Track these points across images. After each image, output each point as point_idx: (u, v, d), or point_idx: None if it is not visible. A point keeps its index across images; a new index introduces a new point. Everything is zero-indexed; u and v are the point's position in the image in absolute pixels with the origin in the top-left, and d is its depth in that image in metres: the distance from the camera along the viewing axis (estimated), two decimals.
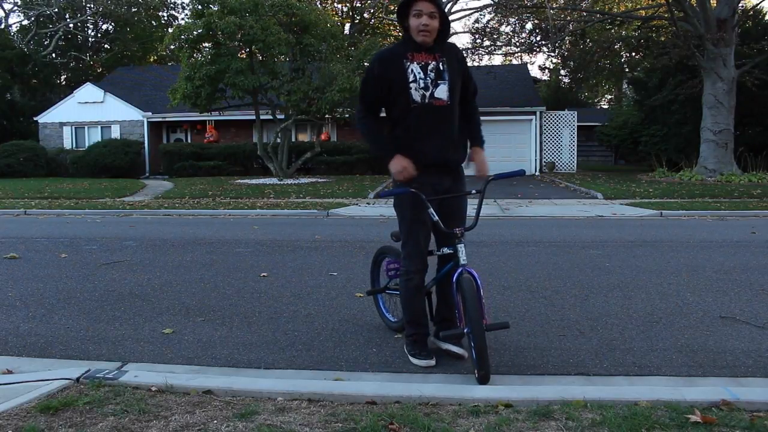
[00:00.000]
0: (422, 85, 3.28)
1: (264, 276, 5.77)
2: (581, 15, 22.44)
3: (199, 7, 17.95)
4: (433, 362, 3.40)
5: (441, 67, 3.31)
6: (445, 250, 3.38)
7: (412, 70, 3.28)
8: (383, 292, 4.08)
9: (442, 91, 3.31)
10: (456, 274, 3.23)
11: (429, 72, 3.29)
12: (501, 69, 26.50)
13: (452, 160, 3.42)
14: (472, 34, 23.97)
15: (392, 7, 36.23)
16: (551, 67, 39.98)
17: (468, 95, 3.52)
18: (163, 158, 23.32)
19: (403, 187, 3.27)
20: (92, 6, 34.63)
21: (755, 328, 4.01)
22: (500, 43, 23.58)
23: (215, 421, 2.59)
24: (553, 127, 24.22)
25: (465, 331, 3.18)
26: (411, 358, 3.46)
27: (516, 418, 2.61)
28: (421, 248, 3.39)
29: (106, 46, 38.28)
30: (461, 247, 3.25)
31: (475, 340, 3.06)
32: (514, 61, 29.21)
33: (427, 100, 3.29)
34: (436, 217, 3.28)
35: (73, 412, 2.68)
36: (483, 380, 3.06)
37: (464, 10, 33.16)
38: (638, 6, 24.30)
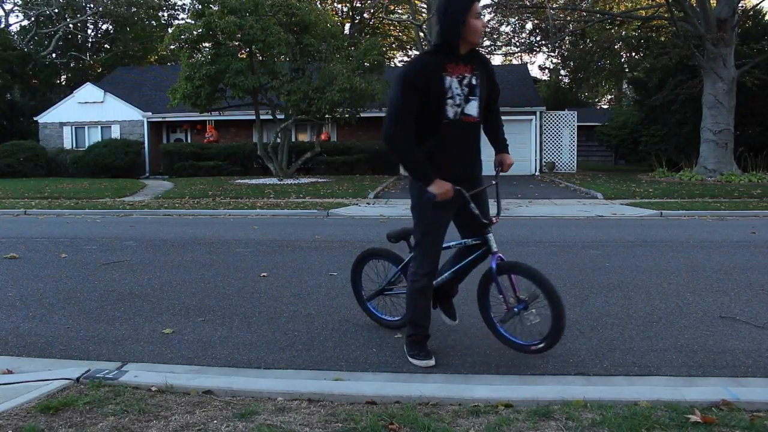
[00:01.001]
0: (457, 101, 3.18)
1: (264, 276, 5.77)
2: (581, 15, 22.44)
3: (199, 7, 17.95)
4: (432, 362, 3.41)
5: (474, 82, 3.21)
6: (469, 242, 3.47)
7: (450, 85, 3.14)
8: (380, 295, 4.07)
9: (472, 108, 3.24)
10: (495, 261, 3.37)
11: (464, 87, 3.19)
12: (501, 69, 26.49)
13: (474, 174, 3.43)
14: None
15: (392, 7, 36.25)
16: (551, 67, 39.99)
17: (492, 100, 3.43)
18: (163, 158, 23.32)
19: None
20: (92, 6, 34.61)
21: (755, 328, 4.01)
22: (500, 43, 23.62)
23: (215, 421, 2.59)
24: (553, 127, 24.22)
25: (516, 309, 3.39)
26: (410, 359, 3.46)
27: (516, 418, 2.61)
28: (437, 249, 3.39)
29: (106, 46, 38.27)
30: (492, 237, 3.39)
31: (557, 304, 3.20)
32: (514, 61, 29.24)
33: (458, 117, 3.20)
34: (477, 211, 3.36)
35: (73, 412, 2.68)
36: (560, 331, 3.25)
37: None
38: (638, 6, 24.29)
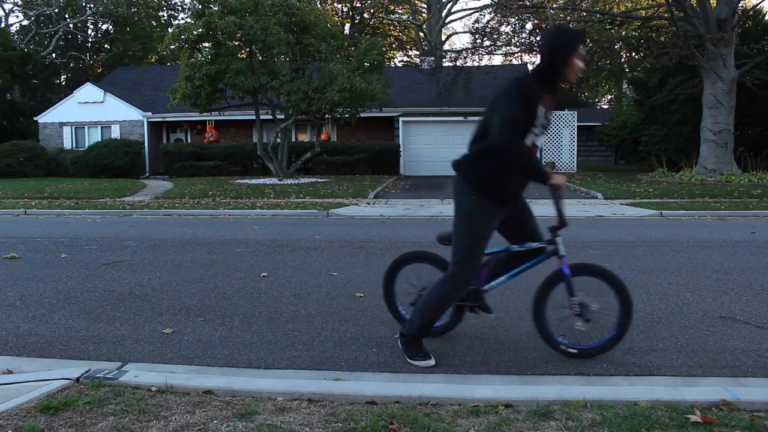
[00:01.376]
0: (536, 131, 3.28)
1: (264, 276, 5.77)
2: (581, 15, 22.42)
3: (199, 7, 17.95)
4: (432, 362, 3.41)
5: (549, 117, 3.33)
6: (535, 245, 3.53)
7: (540, 114, 3.24)
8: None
9: (539, 140, 3.35)
10: (566, 264, 3.44)
11: (544, 119, 3.29)
12: (501, 69, 26.44)
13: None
14: (472, 34, 23.88)
15: (392, 7, 36.24)
16: None
17: None
18: (163, 158, 23.31)
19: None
20: (92, 6, 34.61)
21: (755, 328, 4.01)
22: (500, 43, 23.55)
23: (215, 421, 2.59)
24: (553, 127, 24.20)
25: (585, 311, 3.45)
26: (410, 361, 3.46)
27: (516, 418, 2.61)
28: (479, 261, 3.42)
29: (106, 46, 38.27)
30: (561, 240, 3.48)
31: (628, 305, 3.42)
32: (514, 61, 29.18)
33: (530, 144, 3.29)
34: (561, 208, 3.46)
35: (73, 412, 2.68)
36: (626, 331, 3.45)
37: (464, 10, 33.19)
38: (638, 6, 24.27)
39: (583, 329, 3.50)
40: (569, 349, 3.52)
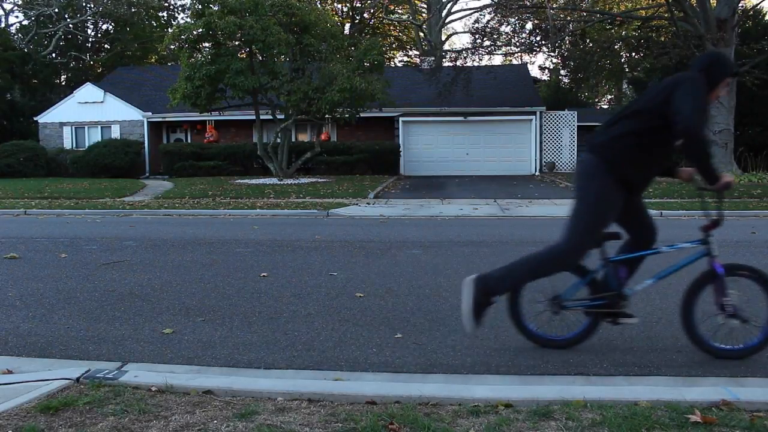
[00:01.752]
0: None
1: (264, 276, 5.77)
2: (581, 15, 22.43)
3: (199, 7, 17.95)
4: (473, 330, 3.46)
5: None
6: (688, 245, 3.64)
7: None
8: (561, 310, 3.64)
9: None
10: (719, 264, 3.49)
11: None
12: (501, 69, 26.45)
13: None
14: (472, 34, 23.86)
15: (392, 7, 36.24)
16: (551, 67, 39.93)
17: None
18: (163, 158, 23.31)
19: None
20: (92, 6, 34.59)
21: (755, 327, 4.00)
22: (500, 43, 23.56)
23: (215, 421, 2.58)
24: (553, 127, 24.20)
25: (737, 311, 3.49)
26: (466, 300, 3.39)
27: (516, 418, 2.61)
28: (592, 239, 3.49)
29: (106, 46, 38.24)
30: (713, 240, 3.53)
31: None
32: (514, 61, 29.18)
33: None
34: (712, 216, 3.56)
35: (73, 412, 2.68)
36: None
37: (464, 10, 33.18)
38: (638, 6, 24.28)
39: (737, 330, 3.48)
40: (721, 351, 3.49)
